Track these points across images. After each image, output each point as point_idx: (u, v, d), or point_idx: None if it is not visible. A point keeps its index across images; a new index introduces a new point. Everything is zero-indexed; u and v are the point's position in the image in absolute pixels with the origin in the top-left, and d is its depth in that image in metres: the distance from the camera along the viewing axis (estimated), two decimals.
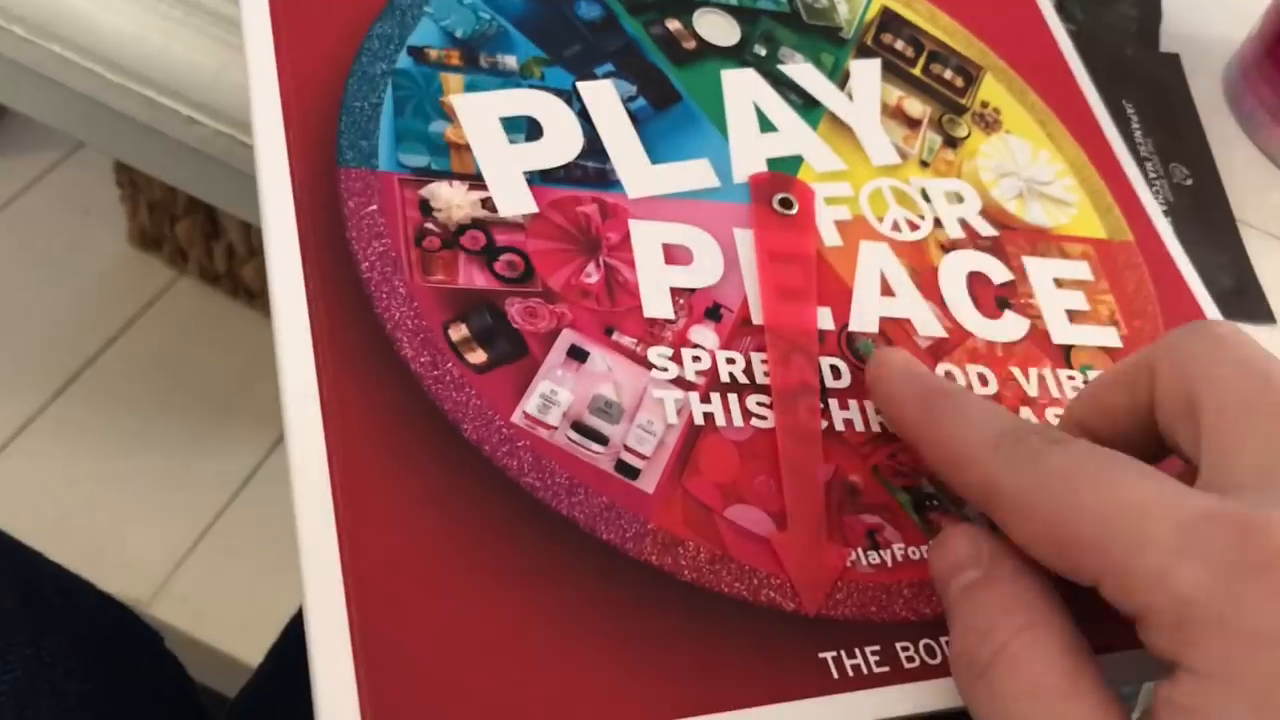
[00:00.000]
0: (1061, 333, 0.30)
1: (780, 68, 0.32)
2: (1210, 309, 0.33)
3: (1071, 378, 0.30)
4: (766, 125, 0.31)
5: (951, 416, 0.25)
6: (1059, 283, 0.31)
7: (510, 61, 0.29)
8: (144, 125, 0.37)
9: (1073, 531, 0.21)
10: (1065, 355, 0.30)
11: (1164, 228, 0.34)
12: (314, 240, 0.25)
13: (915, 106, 0.34)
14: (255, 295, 0.90)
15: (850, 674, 0.22)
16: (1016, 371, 0.29)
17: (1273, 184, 0.41)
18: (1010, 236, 0.32)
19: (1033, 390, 0.29)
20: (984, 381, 0.29)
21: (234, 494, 0.83)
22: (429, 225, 0.26)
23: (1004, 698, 0.20)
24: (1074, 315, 0.31)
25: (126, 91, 0.35)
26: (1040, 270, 0.31)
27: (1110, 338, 0.31)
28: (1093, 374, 0.30)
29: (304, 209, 0.25)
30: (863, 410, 0.27)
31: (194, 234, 0.88)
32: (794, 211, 0.30)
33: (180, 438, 0.85)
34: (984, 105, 0.34)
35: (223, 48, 0.35)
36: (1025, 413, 0.29)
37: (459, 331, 0.24)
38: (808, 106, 0.32)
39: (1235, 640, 0.18)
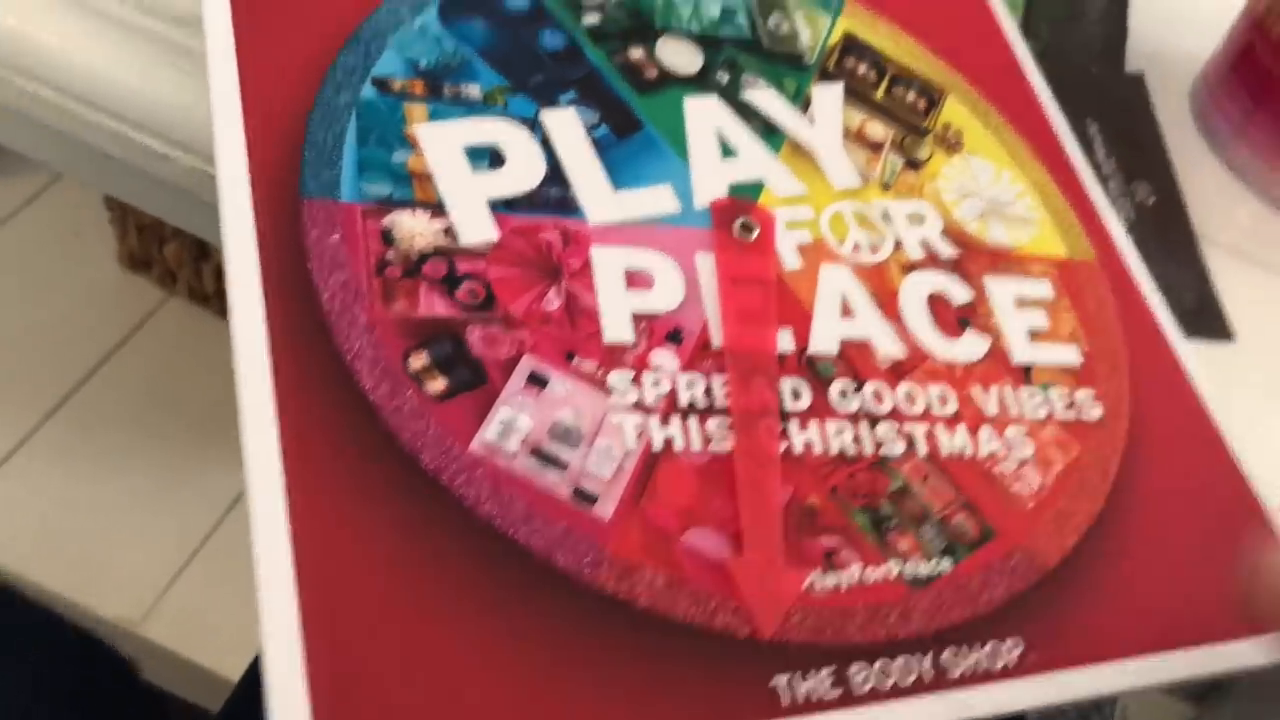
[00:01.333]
0: (1022, 352, 0.31)
1: (743, 94, 0.33)
2: (1170, 327, 0.33)
3: (1032, 396, 0.30)
4: (728, 151, 0.31)
5: None
6: (1020, 302, 0.32)
7: (474, 90, 0.30)
8: (119, 159, 0.37)
9: None
10: (1025, 374, 0.30)
11: (1126, 246, 0.35)
12: (276, 272, 0.25)
13: (877, 130, 0.34)
14: None
15: (800, 701, 0.23)
16: (977, 390, 0.29)
17: (1237, 200, 0.42)
18: (972, 256, 0.32)
19: (992, 409, 0.29)
20: (944, 401, 0.29)
21: (224, 514, 0.83)
22: (390, 255, 0.26)
23: None
24: (1035, 334, 0.31)
25: (99, 127, 0.35)
26: (1001, 289, 0.32)
27: (1071, 356, 0.31)
28: (1053, 392, 0.30)
29: (266, 241, 0.25)
30: (822, 432, 0.27)
31: (183, 255, 0.88)
32: (754, 236, 0.30)
33: (170, 458, 0.85)
34: (946, 127, 0.35)
35: (195, 82, 0.35)
36: (985, 431, 0.29)
37: (419, 360, 0.25)
38: (770, 132, 0.32)
39: None
